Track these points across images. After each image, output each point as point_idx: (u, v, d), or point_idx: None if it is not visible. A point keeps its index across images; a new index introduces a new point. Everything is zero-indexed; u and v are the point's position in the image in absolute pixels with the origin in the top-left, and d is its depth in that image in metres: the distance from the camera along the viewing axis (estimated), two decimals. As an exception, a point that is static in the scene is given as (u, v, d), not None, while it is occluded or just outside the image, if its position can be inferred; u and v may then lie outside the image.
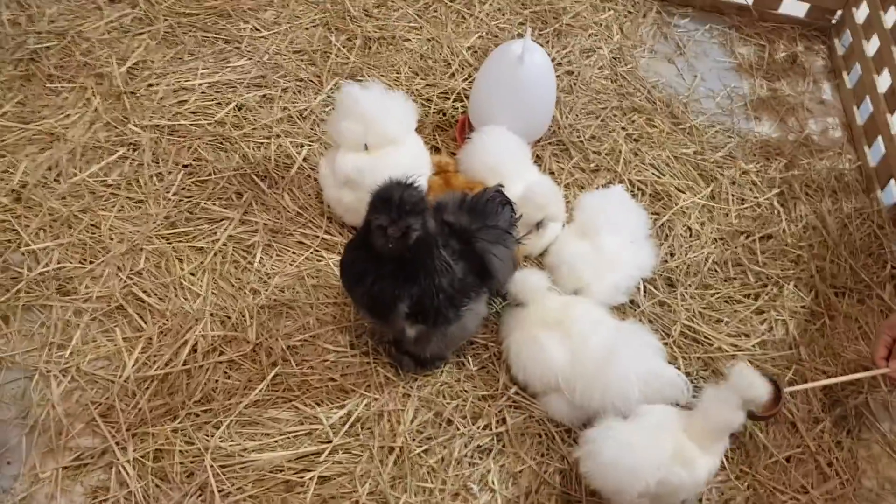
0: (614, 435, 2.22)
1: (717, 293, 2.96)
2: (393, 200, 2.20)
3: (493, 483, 2.40)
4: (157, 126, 3.12)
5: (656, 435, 2.24)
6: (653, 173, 3.29)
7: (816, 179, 3.42)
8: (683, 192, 3.24)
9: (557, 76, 3.57)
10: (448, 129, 3.34)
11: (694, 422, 2.26)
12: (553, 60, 3.63)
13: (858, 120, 3.70)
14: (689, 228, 3.13)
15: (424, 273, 2.34)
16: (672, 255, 3.04)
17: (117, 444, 2.36)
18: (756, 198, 3.31)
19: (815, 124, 3.74)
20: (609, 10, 4.02)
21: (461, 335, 2.53)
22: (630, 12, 4.05)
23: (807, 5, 4.16)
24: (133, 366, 2.52)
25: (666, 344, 2.76)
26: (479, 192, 2.59)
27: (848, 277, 3.07)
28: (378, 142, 2.72)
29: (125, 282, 2.70)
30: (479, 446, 2.47)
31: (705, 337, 2.81)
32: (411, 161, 2.79)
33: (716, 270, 3.03)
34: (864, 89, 3.72)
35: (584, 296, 2.72)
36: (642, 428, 2.26)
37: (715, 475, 2.39)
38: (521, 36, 3.63)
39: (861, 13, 3.96)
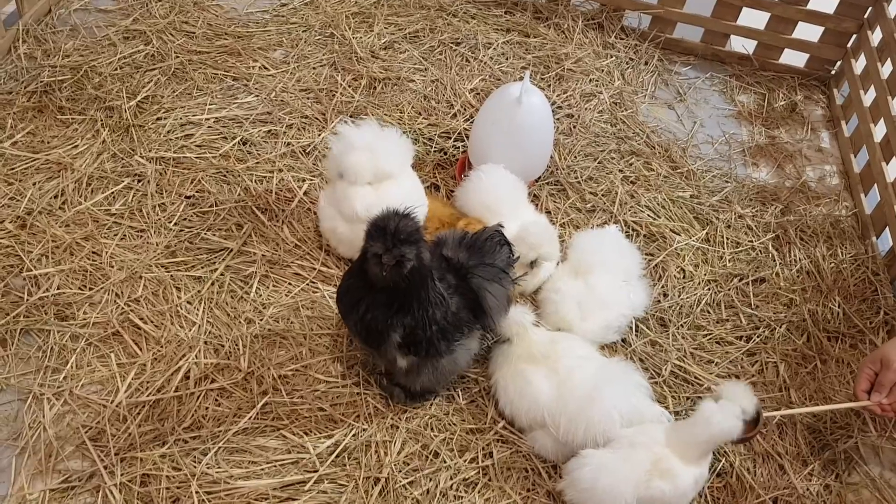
0: (589, 460, 2.27)
1: (709, 334, 2.97)
2: (388, 229, 2.25)
3: (477, 517, 2.40)
4: (163, 158, 3.20)
5: (631, 453, 2.27)
6: (648, 215, 3.32)
7: (812, 225, 3.45)
8: (678, 234, 3.27)
9: (557, 119, 3.65)
10: (448, 167, 3.40)
11: (680, 434, 2.28)
12: (553, 103, 3.71)
13: (855, 168, 3.74)
14: (683, 270, 3.16)
15: (418, 304, 2.37)
16: (665, 295, 3.06)
17: (105, 467, 2.38)
18: (751, 241, 3.33)
19: (812, 171, 3.79)
20: (611, 56, 4.10)
21: (452, 370, 2.55)
22: (631, 59, 4.14)
23: (807, 56, 4.23)
24: (125, 391, 2.55)
25: (656, 383, 2.78)
26: (478, 231, 2.63)
27: (841, 322, 3.08)
28: (375, 177, 2.78)
29: (123, 308, 2.74)
30: (465, 479, 2.47)
31: (695, 377, 2.82)
32: (407, 195, 2.83)
33: (708, 312, 3.05)
34: (862, 138, 3.77)
35: (575, 333, 2.75)
36: (617, 449, 2.30)
37: (706, 484, 2.40)
38: (521, 79, 3.72)
39: (859, 64, 4.03)
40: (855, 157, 3.81)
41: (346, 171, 2.75)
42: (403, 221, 2.25)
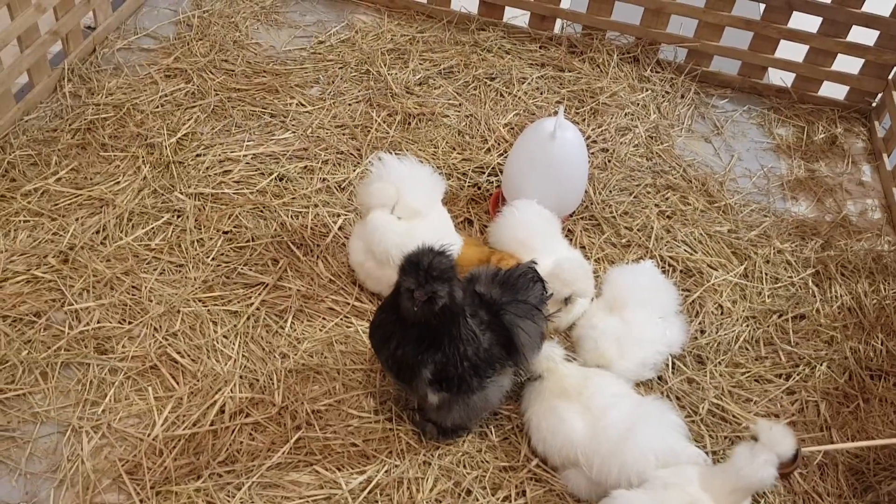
0: (620, 502, 2.24)
1: (748, 372, 2.92)
2: (422, 265, 2.26)
3: (510, 557, 2.37)
4: (202, 194, 3.26)
5: (664, 495, 2.23)
6: (685, 250, 3.29)
7: (853, 260, 3.39)
8: (716, 270, 3.24)
9: (592, 153, 3.64)
10: (482, 202, 3.41)
11: (716, 479, 2.23)
12: (588, 138, 3.71)
13: (898, 201, 3.68)
14: (721, 306, 3.12)
15: (449, 340, 2.38)
16: (702, 332, 3.02)
17: (141, 501, 2.40)
18: (790, 277, 3.28)
19: (853, 205, 3.73)
20: (646, 90, 4.09)
21: (484, 406, 2.54)
22: (668, 92, 4.12)
23: (846, 88, 4.18)
24: (162, 424, 2.58)
25: (693, 422, 2.74)
26: (511, 267, 2.63)
27: (884, 360, 3.01)
28: (404, 213, 2.80)
29: (161, 342, 2.78)
30: (497, 518, 2.45)
31: (734, 416, 2.77)
32: (436, 232, 2.85)
33: (747, 349, 3.00)
34: (904, 171, 3.71)
35: (612, 370, 2.72)
36: (650, 490, 2.26)
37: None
38: (555, 113, 3.73)
39: (901, 96, 3.97)
40: (897, 190, 3.74)
41: (374, 197, 2.78)
42: (438, 258, 2.27)
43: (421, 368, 2.40)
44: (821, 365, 2.96)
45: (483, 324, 2.47)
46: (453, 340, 2.38)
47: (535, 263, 2.61)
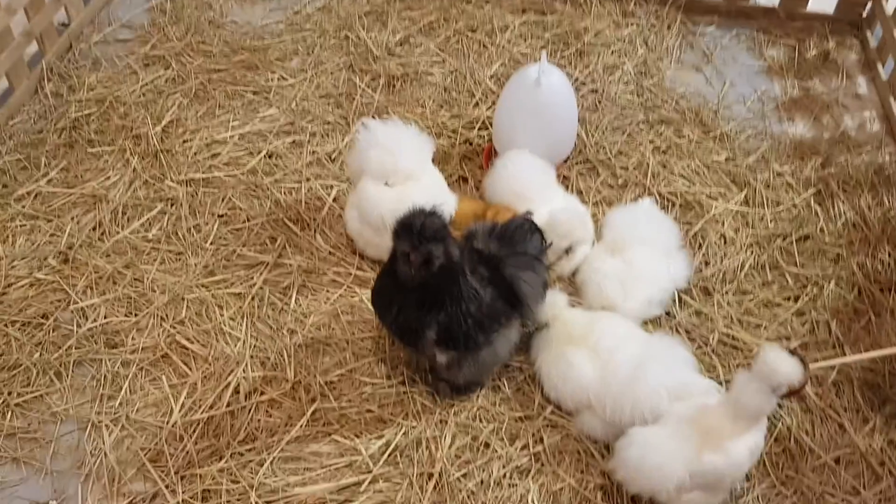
0: (637, 439, 2.25)
1: (755, 298, 2.91)
2: (414, 227, 2.26)
3: (534, 502, 2.39)
4: (193, 180, 3.25)
5: (679, 430, 2.24)
6: (683, 184, 3.27)
7: (855, 175, 3.35)
8: (715, 200, 3.21)
9: (581, 95, 3.60)
10: (475, 158, 3.39)
11: (723, 408, 2.23)
12: (576, 80, 3.67)
13: (896, 111, 3.62)
14: (724, 236, 3.09)
15: (450, 300, 2.38)
16: (707, 263, 3.01)
17: (167, 486, 2.44)
18: (792, 199, 3.25)
19: (850, 120, 3.68)
20: (631, 24, 4.03)
21: (493, 361, 2.55)
22: (653, 25, 4.06)
23: (835, 0, 4.10)
24: (179, 411, 2.60)
25: (704, 353, 2.74)
26: (508, 220, 2.62)
27: (893, 272, 2.99)
28: (396, 178, 2.79)
29: (169, 331, 2.80)
30: (517, 467, 2.47)
31: (745, 343, 2.77)
32: (430, 194, 2.83)
33: (753, 276, 2.99)
34: (900, 79, 3.64)
35: (618, 312, 2.71)
36: (665, 426, 2.27)
37: (762, 451, 2.35)
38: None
39: (891, 3, 3.89)
40: (895, 99, 3.68)
41: (368, 168, 2.76)
42: (429, 219, 2.26)
43: (425, 330, 2.40)
44: (829, 284, 2.94)
45: (484, 279, 2.46)
46: (454, 299, 2.38)
47: (531, 214, 2.59)
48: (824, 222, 3.16)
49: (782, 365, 2.11)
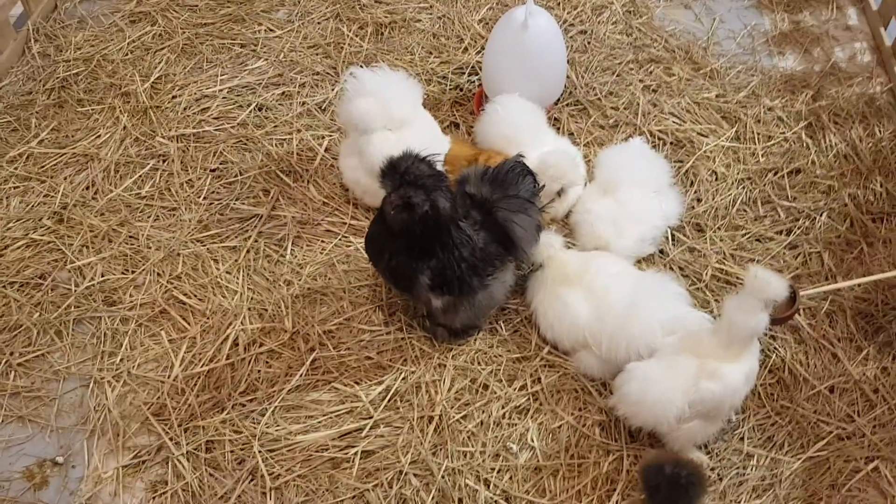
0: (636, 374, 2.28)
1: (748, 233, 2.92)
2: (398, 170, 2.26)
3: (532, 440, 2.44)
4: (183, 135, 3.24)
5: (675, 361, 2.27)
6: (673, 122, 3.26)
7: (846, 107, 3.34)
8: (706, 137, 3.20)
9: (570, 36, 3.57)
10: (466, 104, 3.37)
11: (715, 336, 2.25)
12: (564, 21, 3.63)
13: (887, 41, 3.59)
14: (715, 172, 3.10)
15: (441, 247, 2.39)
16: (699, 200, 3.02)
17: (171, 439, 2.48)
18: (783, 133, 3.25)
19: (841, 52, 3.65)
20: (619, -37, 3.97)
21: (489, 304, 2.57)
22: (641, -37, 3.99)
23: (825, -69, 4.03)
24: (180, 365, 2.63)
25: (698, 289, 2.76)
26: (499, 163, 2.62)
27: (885, 202, 3.00)
28: (391, 124, 2.78)
29: (166, 287, 2.82)
30: (516, 407, 2.51)
31: (737, 278, 2.78)
32: (424, 138, 2.83)
33: (745, 211, 3.00)
34: (891, 9, 3.61)
35: (612, 251, 2.73)
36: (661, 359, 2.30)
37: (758, 375, 2.39)
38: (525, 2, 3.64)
39: (881, -69, 3.83)
40: (885, 29, 3.64)
41: (357, 119, 2.75)
42: (417, 164, 2.26)
43: (418, 276, 2.42)
44: (820, 216, 2.96)
45: (476, 224, 2.47)
46: (445, 247, 2.39)
47: (523, 157, 2.59)
48: (815, 155, 3.16)
49: (770, 279, 2.13)
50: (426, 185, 2.25)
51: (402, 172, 2.23)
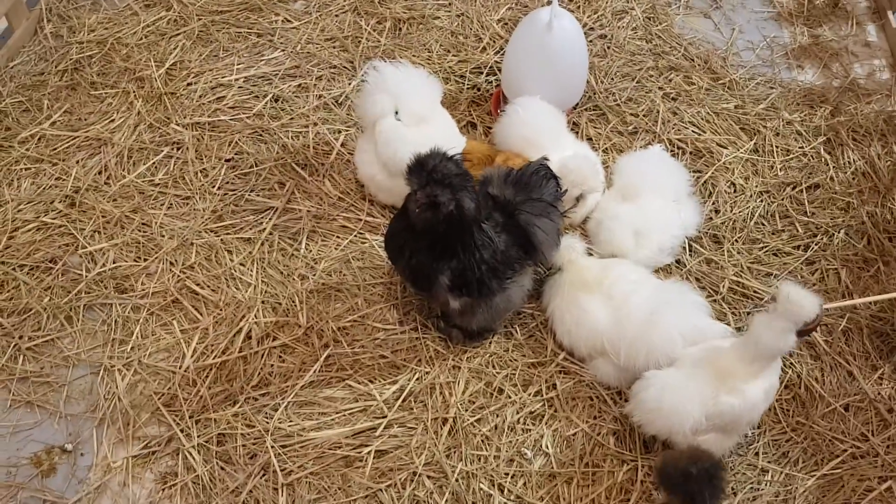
0: (654, 382, 2.28)
1: (765, 246, 2.92)
2: (426, 167, 2.24)
3: (546, 447, 2.43)
4: (198, 123, 3.20)
5: (695, 372, 2.26)
6: (693, 131, 3.25)
7: (864, 124, 3.34)
8: (725, 148, 3.19)
9: (590, 41, 3.55)
10: (483, 103, 3.35)
11: (742, 349, 2.24)
12: (584, 25, 3.61)
13: (906, 59, 3.60)
14: (733, 184, 3.09)
15: (463, 247, 2.37)
16: (717, 211, 3.01)
17: (182, 430, 2.45)
18: (801, 147, 3.24)
19: (860, 68, 3.65)
20: (639, -32, 3.96)
21: (506, 307, 2.55)
22: (661, -31, 3.98)
23: (845, -54, 4.04)
24: (192, 356, 2.60)
25: (714, 301, 2.75)
26: (523, 166, 2.60)
27: (902, 221, 3.00)
28: (409, 120, 2.75)
29: (178, 276, 2.78)
30: (531, 412, 2.50)
31: (755, 291, 2.78)
32: (442, 136, 2.81)
33: (762, 224, 2.99)
34: (910, 27, 3.61)
35: (629, 259, 2.72)
36: (681, 368, 2.29)
37: (776, 393, 2.37)
38: (547, 3, 3.62)
39: (902, -51, 3.83)
40: (904, 48, 3.66)
41: (372, 109, 2.74)
42: (444, 163, 2.24)
43: (438, 276, 2.40)
44: (838, 232, 2.95)
45: (498, 226, 2.45)
46: (467, 248, 2.37)
47: (547, 160, 2.57)
48: (834, 171, 3.16)
49: (806, 300, 2.13)
50: (453, 184, 2.23)
51: (430, 170, 2.21)
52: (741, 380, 2.21)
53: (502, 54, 3.47)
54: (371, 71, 2.82)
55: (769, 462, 2.43)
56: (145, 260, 2.83)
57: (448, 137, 2.84)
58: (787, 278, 2.81)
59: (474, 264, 2.38)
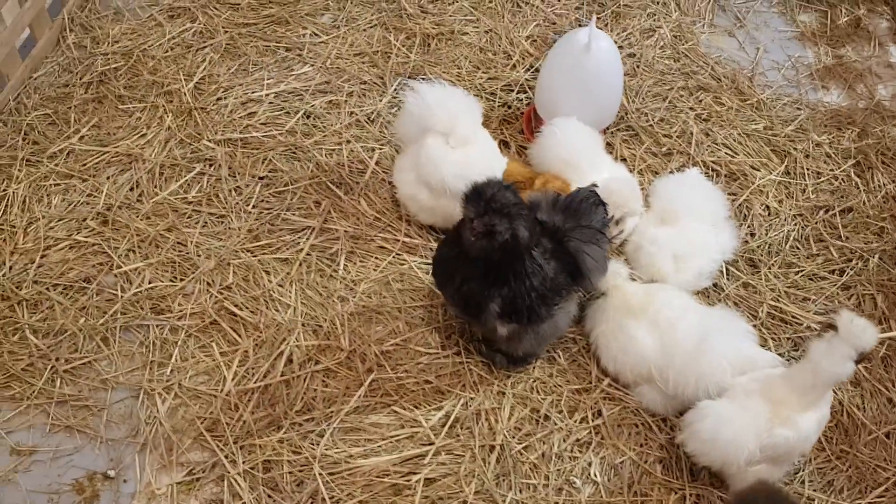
0: (709, 413, 2.27)
1: (801, 271, 2.93)
2: (484, 196, 2.24)
3: (595, 475, 2.42)
4: (230, 140, 3.17)
5: (749, 403, 2.26)
6: (726, 153, 3.26)
7: (892, 147, 3.36)
8: (758, 170, 3.21)
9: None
10: (514, 122, 3.34)
11: (794, 379, 2.25)
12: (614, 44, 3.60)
13: (930, 82, 3.63)
14: (768, 207, 3.10)
15: (514, 275, 2.36)
16: (752, 235, 3.02)
17: (226, 456, 2.43)
18: (832, 170, 3.26)
19: (884, 89, 3.68)
20: (663, -15, 3.97)
21: (553, 333, 2.55)
22: (685, -14, 4.00)
23: (865, -34, 4.07)
24: (233, 379, 2.58)
25: (754, 326, 2.75)
26: (572, 192, 2.59)
27: (936, 247, 3.03)
28: (456, 142, 2.75)
29: (216, 297, 2.75)
30: (577, 440, 2.50)
31: (793, 316, 2.79)
32: (487, 157, 2.81)
33: (797, 248, 3.01)
34: (934, 50, 3.64)
35: (669, 282, 2.72)
36: (734, 399, 2.29)
37: (826, 423, 2.38)
38: (578, 21, 3.63)
39: (924, -29, 3.87)
40: (927, 70, 3.69)
41: (433, 125, 2.72)
42: (502, 192, 2.23)
43: (488, 303, 2.39)
44: (873, 257, 2.97)
45: (547, 252, 2.44)
46: (518, 275, 2.36)
47: (597, 186, 2.57)
48: (865, 194, 3.18)
49: (868, 329, 2.14)
50: (511, 213, 2.22)
51: (488, 199, 2.20)
52: (795, 410, 2.22)
53: (532, 72, 3.47)
54: (412, 92, 2.80)
55: (815, 491, 2.44)
56: (181, 280, 2.79)
57: (490, 159, 2.84)
58: (828, 304, 2.82)
59: (524, 292, 2.37)
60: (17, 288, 2.73)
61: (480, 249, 2.28)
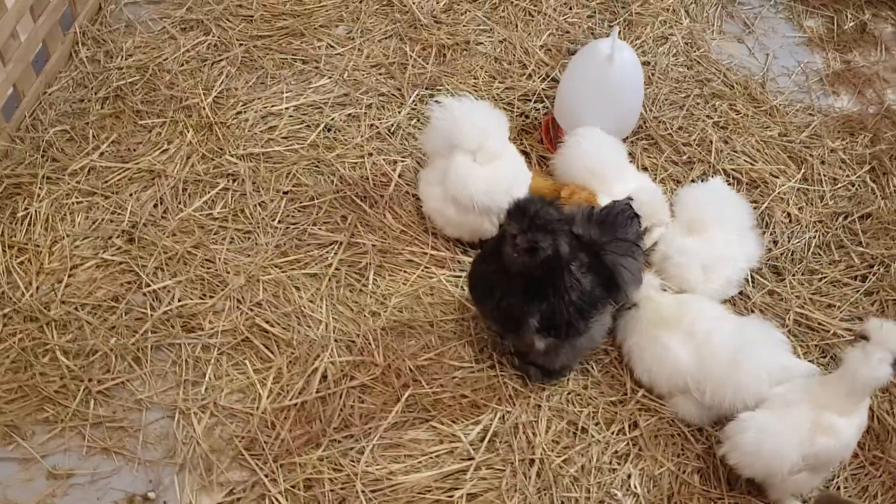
0: (752, 424, 2.29)
1: (825, 277, 2.97)
2: (528, 213, 2.25)
3: (635, 487, 2.44)
4: (253, 154, 3.16)
5: (789, 413, 2.29)
6: (745, 160, 3.29)
7: (905, 152, 3.42)
8: (777, 178, 3.24)
9: (636, 69, 3.57)
10: (533, 132, 3.36)
11: (832, 387, 2.28)
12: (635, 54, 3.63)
13: (938, 87, 3.68)
14: (789, 214, 3.14)
15: (553, 290, 2.38)
16: (775, 242, 3.06)
17: (266, 476, 2.42)
18: (848, 176, 3.31)
19: (893, 94, 3.73)
20: (673, -7, 4.00)
21: (589, 346, 2.57)
22: (693, -7, 4.03)
23: (869, -29, 4.12)
24: (268, 397, 2.57)
25: (782, 334, 2.78)
26: (607, 205, 2.61)
27: (953, 252, 3.07)
28: (485, 158, 2.75)
29: (247, 314, 2.74)
30: (616, 452, 2.51)
31: (819, 323, 2.83)
32: (515, 171, 2.82)
33: (819, 255, 3.05)
34: (942, 55, 3.69)
35: (698, 292, 2.75)
36: (774, 410, 2.32)
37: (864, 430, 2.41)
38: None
39: (929, -24, 3.92)
40: (935, 75, 3.75)
41: (462, 142, 2.72)
42: (545, 209, 2.25)
43: (527, 318, 2.40)
44: (894, 263, 3.01)
45: (583, 266, 2.46)
46: (557, 291, 2.38)
47: (632, 199, 2.59)
48: (882, 200, 3.23)
49: None
50: (554, 229, 2.23)
51: (532, 216, 2.21)
52: (835, 419, 2.24)
53: (548, 81, 3.49)
54: (439, 106, 2.81)
55: (849, 496, 2.47)
56: (211, 297, 2.78)
57: (517, 173, 2.85)
58: (853, 311, 2.86)
59: (563, 306, 2.39)
60: (45, 308, 2.70)
61: (522, 265, 2.29)
